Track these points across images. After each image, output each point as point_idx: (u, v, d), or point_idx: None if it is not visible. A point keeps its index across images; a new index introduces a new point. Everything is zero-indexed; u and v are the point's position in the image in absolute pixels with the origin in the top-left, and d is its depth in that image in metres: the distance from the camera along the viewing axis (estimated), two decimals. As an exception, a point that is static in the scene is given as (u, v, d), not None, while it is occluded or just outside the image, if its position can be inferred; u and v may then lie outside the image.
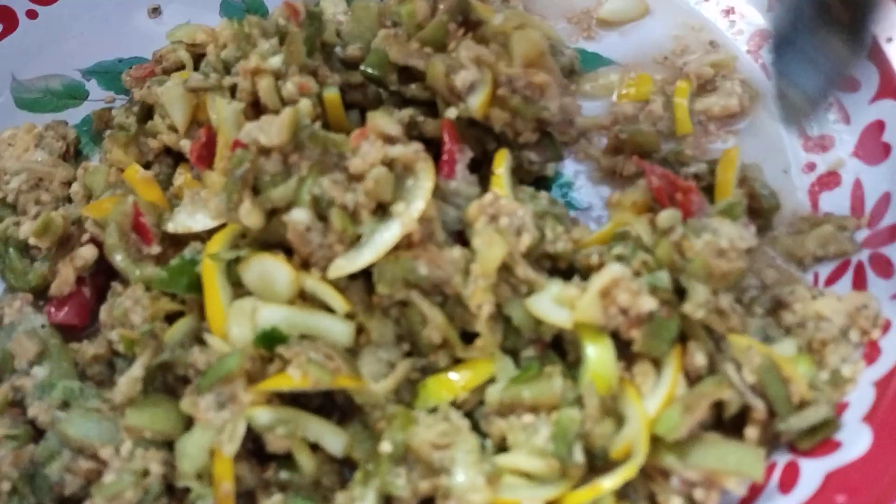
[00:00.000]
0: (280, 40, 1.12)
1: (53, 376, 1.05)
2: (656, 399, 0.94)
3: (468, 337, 1.00)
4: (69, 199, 1.24)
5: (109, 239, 1.09)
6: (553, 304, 0.98)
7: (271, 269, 0.99)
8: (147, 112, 1.24)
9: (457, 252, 0.99)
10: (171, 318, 1.05)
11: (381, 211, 0.98)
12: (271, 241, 1.01)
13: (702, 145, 1.24)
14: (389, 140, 1.00)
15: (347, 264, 0.97)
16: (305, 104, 1.06)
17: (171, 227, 1.08)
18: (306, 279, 0.98)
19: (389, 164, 0.98)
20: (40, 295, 1.16)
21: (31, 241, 1.14)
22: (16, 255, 1.17)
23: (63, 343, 1.09)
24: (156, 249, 1.09)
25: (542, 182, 1.20)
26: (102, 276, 1.15)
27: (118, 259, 1.09)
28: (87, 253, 1.12)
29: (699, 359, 0.95)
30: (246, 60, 1.10)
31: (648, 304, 0.94)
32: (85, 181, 1.21)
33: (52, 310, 1.13)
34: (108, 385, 1.06)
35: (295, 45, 1.08)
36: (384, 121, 1.01)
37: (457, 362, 1.01)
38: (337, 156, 1.00)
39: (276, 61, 1.10)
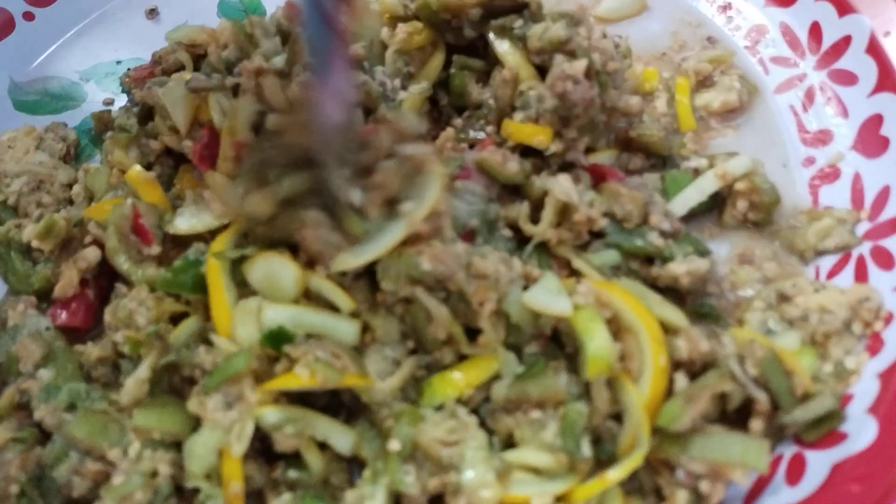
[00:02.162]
0: (283, 40, 1.12)
1: (59, 379, 1.04)
2: (646, 377, 0.94)
3: (471, 333, 1.00)
4: (70, 201, 1.24)
5: (109, 242, 1.09)
6: (551, 295, 0.98)
7: (277, 268, 0.99)
8: (148, 113, 1.24)
9: (460, 248, 0.99)
10: (175, 320, 1.05)
11: (390, 206, 0.99)
12: (276, 238, 1.01)
13: (703, 140, 1.25)
14: (404, 138, 1.01)
15: (351, 260, 0.97)
16: None
17: (174, 227, 1.08)
18: (312, 277, 0.99)
19: (401, 161, 0.99)
20: (43, 297, 1.16)
21: (34, 243, 1.14)
22: (18, 257, 1.16)
23: (68, 345, 1.09)
24: (156, 250, 1.09)
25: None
26: (106, 278, 1.14)
27: (119, 262, 1.09)
28: (90, 255, 1.12)
29: (703, 344, 0.96)
30: (249, 60, 1.09)
31: None
32: (86, 183, 1.21)
33: (56, 312, 1.13)
34: (114, 387, 1.05)
35: (298, 44, 1.08)
36: (409, 118, 1.03)
37: (461, 359, 1.01)
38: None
39: (279, 61, 1.10)
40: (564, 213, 1.07)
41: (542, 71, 1.13)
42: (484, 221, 1.07)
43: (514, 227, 1.09)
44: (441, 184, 0.99)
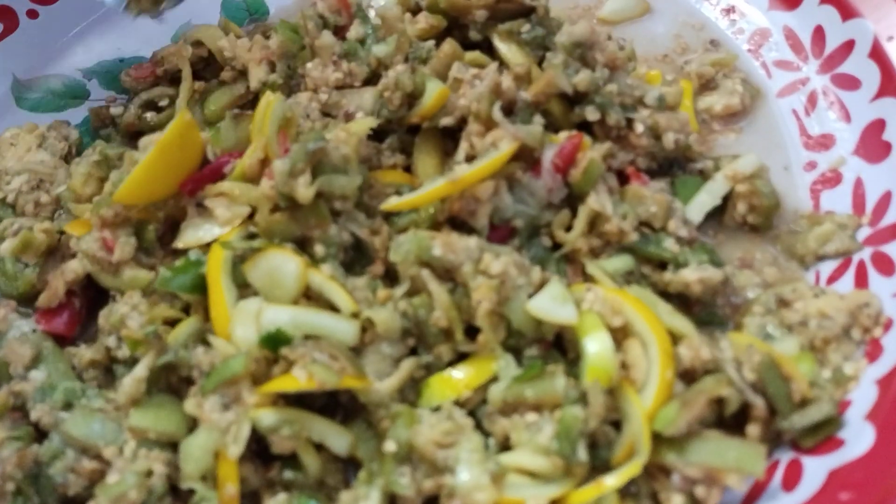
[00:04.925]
0: (334, 31, 1.19)
1: (53, 378, 1.04)
2: (651, 389, 0.94)
3: (472, 332, 1.00)
4: (66, 204, 1.23)
5: (84, 267, 1.10)
6: (555, 303, 0.98)
7: (279, 264, 0.99)
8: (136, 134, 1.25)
9: (473, 242, 0.99)
10: (169, 325, 1.04)
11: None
12: (291, 232, 1.02)
13: (707, 143, 1.25)
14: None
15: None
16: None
17: (183, 241, 1.07)
18: (314, 275, 0.99)
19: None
20: (28, 301, 1.15)
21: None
22: (10, 259, 1.14)
23: (57, 346, 1.09)
24: (118, 255, 1.07)
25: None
26: (95, 288, 1.13)
27: (103, 280, 1.09)
28: (77, 267, 1.11)
29: (704, 352, 0.95)
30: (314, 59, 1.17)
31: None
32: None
33: (40, 319, 1.12)
34: (106, 390, 1.05)
35: (404, 36, 1.15)
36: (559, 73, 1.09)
37: (460, 360, 1.01)
38: None
39: (380, 50, 1.15)
40: (595, 221, 1.07)
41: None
42: (528, 226, 1.07)
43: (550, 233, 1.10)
44: (501, 160, 1.01)
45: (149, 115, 1.30)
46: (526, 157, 1.06)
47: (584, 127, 1.13)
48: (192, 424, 0.96)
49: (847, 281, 1.10)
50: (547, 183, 1.06)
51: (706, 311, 1.08)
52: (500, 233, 1.06)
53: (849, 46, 1.23)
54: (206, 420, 0.93)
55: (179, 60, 1.27)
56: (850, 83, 1.22)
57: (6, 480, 0.95)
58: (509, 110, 1.09)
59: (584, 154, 1.07)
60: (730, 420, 0.96)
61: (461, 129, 1.09)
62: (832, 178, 1.19)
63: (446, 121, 1.10)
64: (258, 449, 0.97)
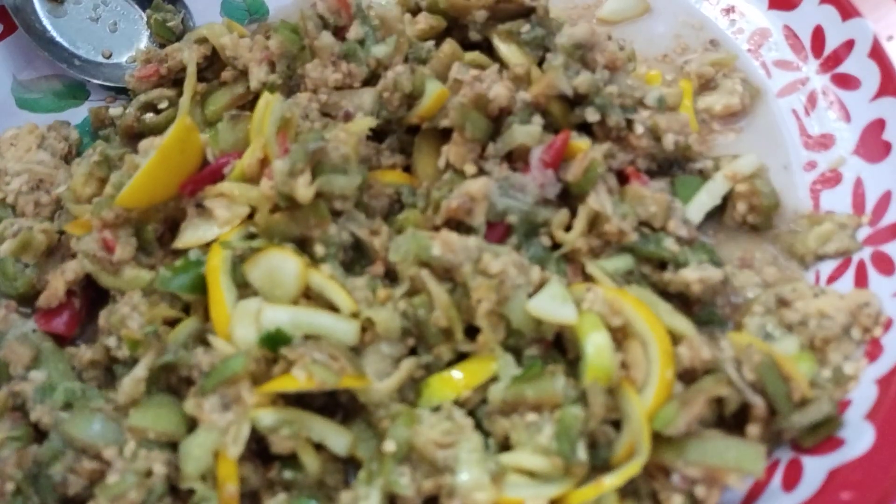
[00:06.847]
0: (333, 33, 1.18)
1: (53, 379, 1.04)
2: (651, 389, 0.94)
3: (472, 332, 1.00)
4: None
5: (85, 267, 1.10)
6: (555, 302, 0.98)
7: (279, 264, 0.99)
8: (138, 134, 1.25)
9: (472, 242, 0.99)
10: (169, 325, 1.04)
11: None
12: (290, 232, 1.02)
13: (707, 142, 1.25)
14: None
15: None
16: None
17: (182, 242, 1.07)
18: (314, 275, 0.99)
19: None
20: (27, 301, 1.15)
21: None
22: (10, 259, 1.14)
23: (57, 346, 1.09)
24: (118, 255, 1.07)
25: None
26: (94, 288, 1.13)
27: (103, 280, 1.09)
28: (77, 266, 1.11)
29: (704, 352, 0.95)
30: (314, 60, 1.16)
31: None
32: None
33: (40, 319, 1.12)
34: (106, 390, 1.05)
35: (404, 37, 1.16)
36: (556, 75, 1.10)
37: (460, 359, 1.01)
38: None
39: (380, 50, 1.15)
40: (595, 221, 1.07)
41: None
42: (524, 222, 1.07)
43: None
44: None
45: (147, 117, 1.30)
46: (521, 156, 1.07)
47: (585, 128, 1.13)
48: (192, 424, 0.96)
49: (847, 280, 1.10)
50: (536, 178, 1.06)
51: (706, 311, 1.08)
52: (496, 231, 1.05)
53: (848, 46, 1.23)
54: (206, 420, 0.93)
55: (184, 57, 1.26)
56: (850, 83, 1.22)
57: (6, 480, 0.95)
58: (508, 111, 1.09)
59: (585, 154, 1.07)
60: (730, 420, 0.97)
61: None
62: (832, 178, 1.19)
63: (446, 122, 1.10)
64: (258, 449, 0.97)
